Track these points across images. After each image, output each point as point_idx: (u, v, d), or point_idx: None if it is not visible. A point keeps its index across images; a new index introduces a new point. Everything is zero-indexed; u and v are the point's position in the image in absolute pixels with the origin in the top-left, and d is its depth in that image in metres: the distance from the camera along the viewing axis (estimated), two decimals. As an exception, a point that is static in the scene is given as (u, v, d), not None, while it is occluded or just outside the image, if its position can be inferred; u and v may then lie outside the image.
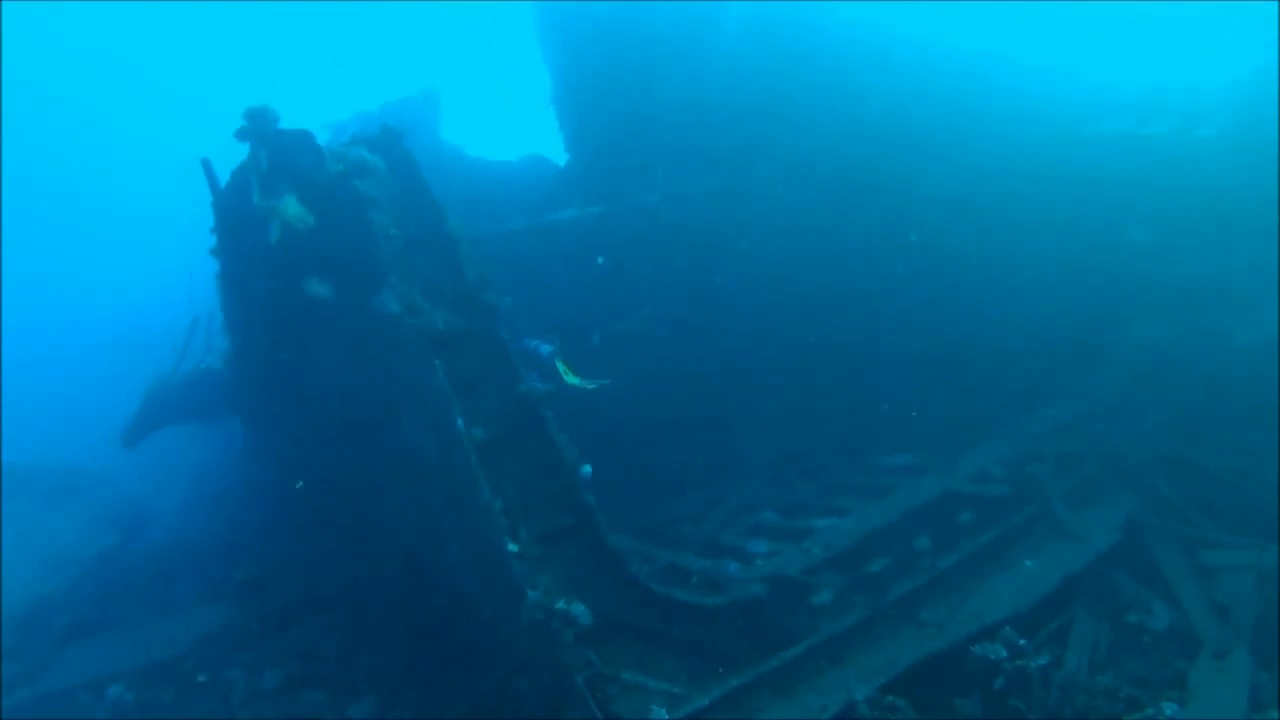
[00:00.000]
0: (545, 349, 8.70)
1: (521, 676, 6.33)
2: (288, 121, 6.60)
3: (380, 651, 8.16)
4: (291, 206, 5.86)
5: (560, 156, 12.62)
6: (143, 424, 14.65)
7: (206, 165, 7.35)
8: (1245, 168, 8.24)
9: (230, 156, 6.99)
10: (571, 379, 8.59)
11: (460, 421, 5.90)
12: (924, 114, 9.91)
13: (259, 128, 6.12)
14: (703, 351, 11.15)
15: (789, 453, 10.92)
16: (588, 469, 6.41)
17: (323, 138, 6.83)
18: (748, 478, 10.40)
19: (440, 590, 9.14)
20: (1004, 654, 5.41)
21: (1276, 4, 8.49)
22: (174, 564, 12.97)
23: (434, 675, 7.66)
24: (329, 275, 6.43)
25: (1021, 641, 5.50)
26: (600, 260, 9.91)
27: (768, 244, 10.20)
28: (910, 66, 10.11)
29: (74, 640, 10.31)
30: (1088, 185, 9.46)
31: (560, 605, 5.47)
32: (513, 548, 5.76)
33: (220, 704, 7.95)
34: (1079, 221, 9.49)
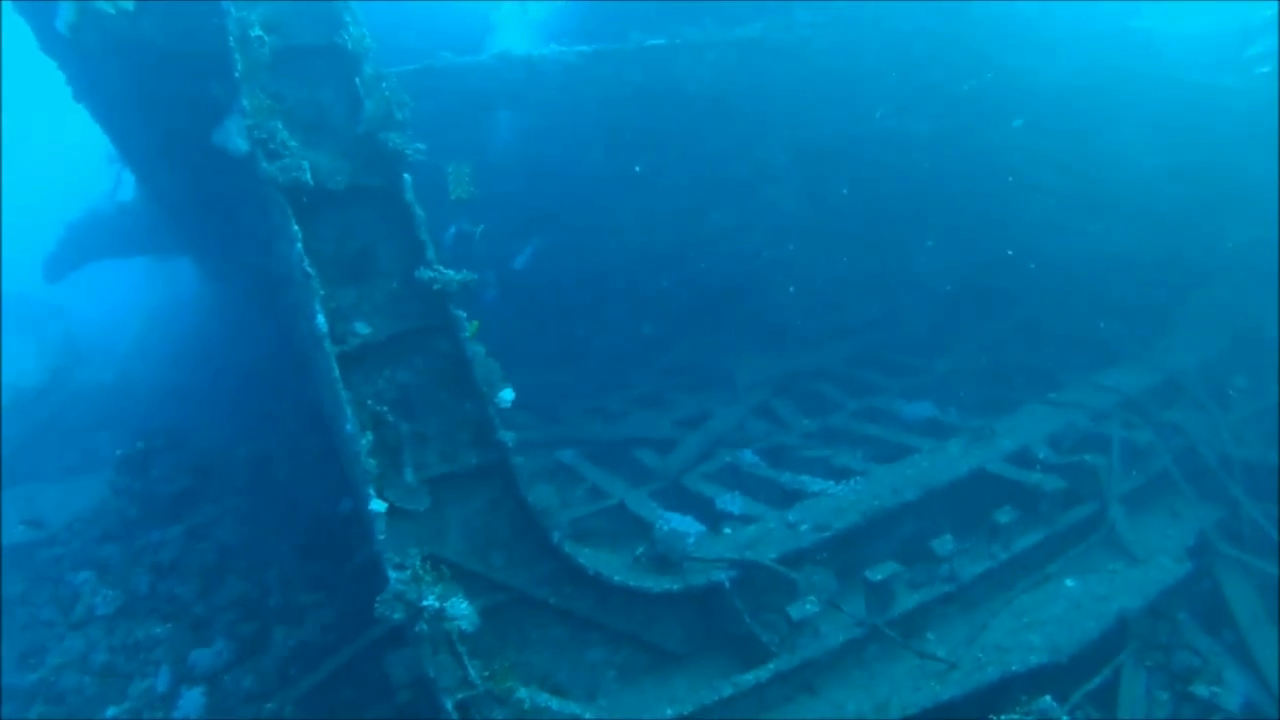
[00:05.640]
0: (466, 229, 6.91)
1: (394, 655, 4.81)
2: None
3: (255, 571, 6.66)
4: (97, -23, 3.93)
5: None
6: (65, 256, 13.03)
7: None
8: None
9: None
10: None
11: (321, 318, 4.14)
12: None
13: None
14: (698, 239, 9.27)
15: (785, 375, 9.14)
16: (509, 394, 4.63)
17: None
18: (733, 400, 8.66)
19: (349, 498, 7.65)
20: (1040, 739, 3.86)
21: None
22: (101, 413, 11.82)
23: (310, 608, 6.17)
24: (163, 90, 4.55)
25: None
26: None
27: (797, 116, 8.14)
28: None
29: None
30: (1201, 99, 7.41)
31: (430, 602, 3.85)
32: (378, 506, 4.10)
33: (60, 614, 6.54)
34: (1187, 148, 7.45)
